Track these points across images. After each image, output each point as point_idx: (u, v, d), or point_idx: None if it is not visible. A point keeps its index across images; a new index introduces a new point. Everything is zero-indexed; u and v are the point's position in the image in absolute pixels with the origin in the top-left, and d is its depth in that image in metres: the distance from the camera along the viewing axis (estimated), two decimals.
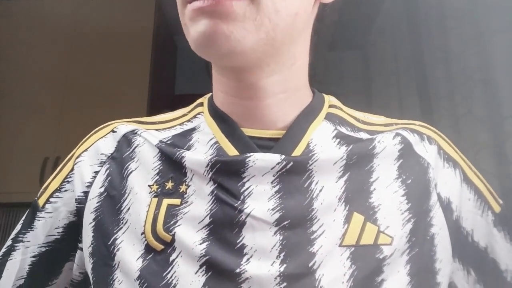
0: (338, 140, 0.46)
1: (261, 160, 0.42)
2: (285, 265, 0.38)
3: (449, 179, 0.45)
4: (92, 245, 0.44)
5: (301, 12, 0.42)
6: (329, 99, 0.51)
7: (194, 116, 0.50)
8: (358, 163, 0.43)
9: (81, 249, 0.46)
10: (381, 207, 0.41)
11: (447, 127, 1.46)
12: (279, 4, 0.39)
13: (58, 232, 0.47)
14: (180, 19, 0.43)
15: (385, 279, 0.39)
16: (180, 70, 2.49)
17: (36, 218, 0.47)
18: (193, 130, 0.48)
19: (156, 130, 0.49)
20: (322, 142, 0.45)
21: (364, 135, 0.47)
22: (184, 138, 0.47)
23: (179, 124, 0.49)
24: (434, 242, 0.42)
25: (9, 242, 0.47)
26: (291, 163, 0.42)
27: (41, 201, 0.47)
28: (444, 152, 0.47)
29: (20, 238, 0.47)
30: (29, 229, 0.47)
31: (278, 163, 0.41)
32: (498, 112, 1.21)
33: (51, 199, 0.47)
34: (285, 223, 0.40)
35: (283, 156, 0.42)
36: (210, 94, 0.52)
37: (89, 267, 0.44)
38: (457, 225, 0.44)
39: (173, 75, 2.48)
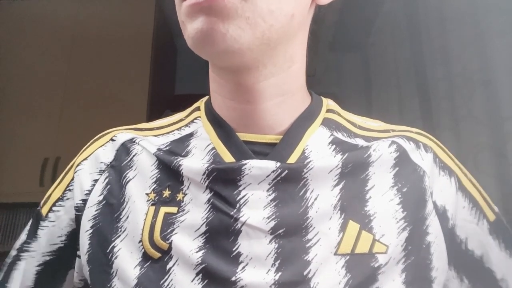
0: (334, 146, 0.46)
1: (256, 168, 0.42)
2: (280, 273, 0.38)
3: (445, 187, 0.45)
4: (88, 252, 0.44)
5: (297, 13, 0.42)
6: (327, 103, 0.51)
7: (192, 121, 0.50)
8: (354, 171, 0.43)
9: (79, 256, 0.46)
10: (376, 216, 0.42)
11: (447, 129, 1.46)
12: (273, 5, 0.39)
13: (61, 241, 0.47)
14: (178, 17, 0.43)
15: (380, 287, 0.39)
16: (180, 70, 2.49)
17: (40, 227, 0.48)
18: (190, 135, 0.48)
19: (155, 136, 0.49)
20: (318, 148, 0.45)
21: (360, 142, 0.47)
22: (181, 144, 0.47)
23: (177, 129, 0.50)
24: (430, 251, 0.42)
25: (14, 252, 0.48)
26: (286, 171, 0.42)
27: (44, 210, 0.48)
28: (440, 160, 0.47)
29: (26, 248, 0.47)
30: (33, 238, 0.47)
31: (273, 171, 0.42)
32: (498, 114, 1.21)
33: (53, 208, 0.48)
34: (280, 231, 0.40)
35: (278, 164, 0.42)
36: (206, 97, 0.52)
37: (86, 274, 0.44)
38: (452, 233, 0.44)
39: (173, 75, 2.48)
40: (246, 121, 0.46)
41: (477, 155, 1.26)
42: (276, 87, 0.45)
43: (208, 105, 0.50)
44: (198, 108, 0.51)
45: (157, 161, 0.45)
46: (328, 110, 0.50)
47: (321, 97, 0.52)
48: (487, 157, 1.25)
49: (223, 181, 0.42)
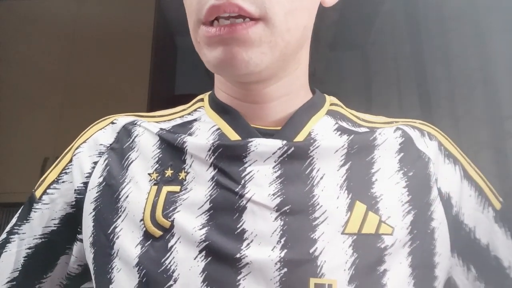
0: (340, 132, 0.46)
1: (263, 145, 0.42)
2: (285, 251, 0.38)
3: (449, 174, 0.45)
4: (92, 235, 0.44)
5: (309, 23, 0.43)
6: (331, 99, 0.52)
7: (195, 110, 0.50)
8: (359, 153, 0.43)
9: (81, 240, 0.46)
10: (383, 198, 0.41)
11: (447, 127, 1.46)
12: (291, 23, 0.40)
13: (54, 224, 0.46)
14: (191, 34, 0.43)
15: (388, 270, 0.39)
16: (180, 70, 2.48)
17: (33, 210, 0.47)
18: (193, 121, 0.48)
19: (156, 122, 0.49)
20: (324, 132, 0.45)
21: (364, 130, 0.47)
22: (184, 127, 0.47)
23: (179, 117, 0.50)
24: (434, 236, 0.42)
25: (3, 236, 0.47)
26: (293, 148, 0.42)
27: (38, 193, 0.47)
28: (445, 149, 0.47)
29: (16, 230, 0.46)
30: (24, 221, 0.47)
31: (279, 148, 0.41)
32: (498, 112, 1.21)
33: (48, 191, 0.47)
34: (285, 208, 0.39)
35: (284, 141, 0.42)
36: (210, 91, 0.52)
37: (90, 257, 0.44)
38: (457, 221, 0.44)
39: (173, 75, 2.48)
40: (252, 114, 0.46)
41: (477, 153, 1.26)
42: (283, 88, 0.46)
43: (213, 97, 0.50)
44: (201, 100, 0.52)
45: (159, 141, 0.45)
46: (332, 104, 0.51)
47: (324, 94, 0.52)
48: (487, 156, 1.25)
49: (228, 158, 0.42)
